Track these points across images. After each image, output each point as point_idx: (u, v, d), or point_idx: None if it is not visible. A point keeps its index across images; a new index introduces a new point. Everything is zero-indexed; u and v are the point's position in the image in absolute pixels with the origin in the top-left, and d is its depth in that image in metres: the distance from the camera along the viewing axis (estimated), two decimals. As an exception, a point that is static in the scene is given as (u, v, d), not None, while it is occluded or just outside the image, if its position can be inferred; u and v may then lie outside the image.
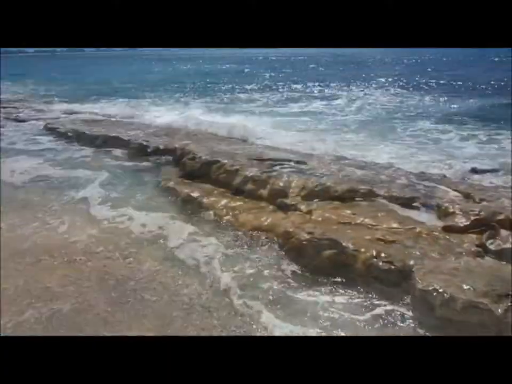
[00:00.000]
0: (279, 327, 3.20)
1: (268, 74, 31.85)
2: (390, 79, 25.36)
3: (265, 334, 3.13)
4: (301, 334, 3.11)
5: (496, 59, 43.45)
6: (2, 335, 3.03)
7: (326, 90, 20.96)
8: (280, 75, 31.18)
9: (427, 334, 3.07)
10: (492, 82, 21.06)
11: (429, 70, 32.94)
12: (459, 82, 21.99)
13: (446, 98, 16.73)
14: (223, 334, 3.13)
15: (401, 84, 22.93)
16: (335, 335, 3.11)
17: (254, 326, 3.22)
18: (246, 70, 37.88)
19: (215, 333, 3.13)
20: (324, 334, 3.11)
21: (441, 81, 23.15)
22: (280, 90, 21.30)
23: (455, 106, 14.89)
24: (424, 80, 24.07)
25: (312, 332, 3.13)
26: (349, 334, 3.11)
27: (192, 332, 3.13)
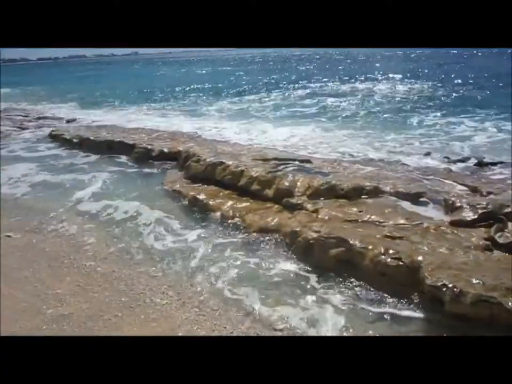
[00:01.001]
0: (292, 329, 3.22)
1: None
2: (398, 74, 25.29)
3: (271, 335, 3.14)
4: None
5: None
6: (2, 335, 3.05)
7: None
8: (285, 74, 31.18)
9: (437, 330, 3.06)
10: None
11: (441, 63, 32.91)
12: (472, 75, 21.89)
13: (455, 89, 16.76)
14: (223, 334, 3.15)
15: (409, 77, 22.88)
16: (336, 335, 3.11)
17: (263, 325, 3.23)
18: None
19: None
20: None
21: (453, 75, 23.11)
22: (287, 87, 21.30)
23: (463, 96, 14.88)
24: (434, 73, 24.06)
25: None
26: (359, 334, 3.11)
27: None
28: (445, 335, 2.96)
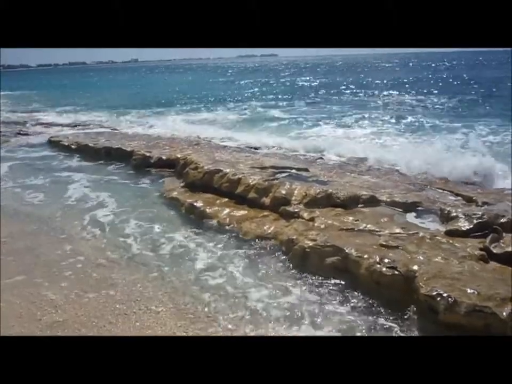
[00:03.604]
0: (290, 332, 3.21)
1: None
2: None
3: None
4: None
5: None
6: (2, 335, 3.04)
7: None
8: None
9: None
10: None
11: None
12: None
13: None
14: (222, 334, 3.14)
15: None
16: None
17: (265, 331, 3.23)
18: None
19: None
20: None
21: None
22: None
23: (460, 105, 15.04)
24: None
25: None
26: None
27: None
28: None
